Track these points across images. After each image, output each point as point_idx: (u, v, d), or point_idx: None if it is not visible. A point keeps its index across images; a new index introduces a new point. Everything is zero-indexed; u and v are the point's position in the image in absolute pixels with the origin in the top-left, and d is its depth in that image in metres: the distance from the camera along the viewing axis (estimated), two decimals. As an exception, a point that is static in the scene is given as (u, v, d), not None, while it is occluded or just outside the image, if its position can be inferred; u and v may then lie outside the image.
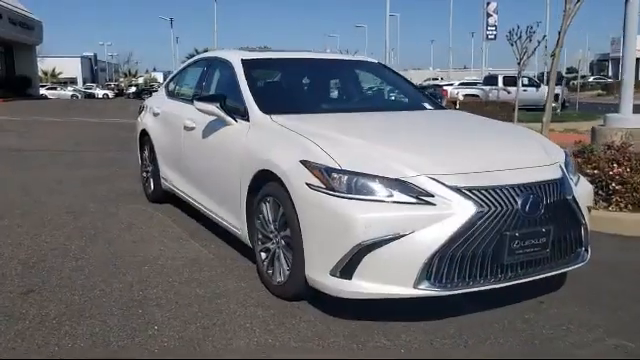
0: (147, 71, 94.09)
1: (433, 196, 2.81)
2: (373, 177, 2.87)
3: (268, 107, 3.83)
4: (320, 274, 2.96)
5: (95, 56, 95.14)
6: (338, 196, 2.87)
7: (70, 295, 3.44)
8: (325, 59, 4.84)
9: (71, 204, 5.81)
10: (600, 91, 48.74)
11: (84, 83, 77.19)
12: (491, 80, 28.66)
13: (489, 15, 39.76)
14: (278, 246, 3.38)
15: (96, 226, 4.98)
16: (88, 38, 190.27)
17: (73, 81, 76.48)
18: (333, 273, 2.89)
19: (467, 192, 2.81)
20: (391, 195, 2.83)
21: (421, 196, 2.82)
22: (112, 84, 73.05)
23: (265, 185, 3.44)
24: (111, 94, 58.43)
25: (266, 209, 3.45)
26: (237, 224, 3.85)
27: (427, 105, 4.45)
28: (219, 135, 4.06)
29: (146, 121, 5.84)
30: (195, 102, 4.05)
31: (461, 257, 2.80)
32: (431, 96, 4.63)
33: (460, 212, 2.77)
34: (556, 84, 30.39)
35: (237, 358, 2.81)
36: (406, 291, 2.80)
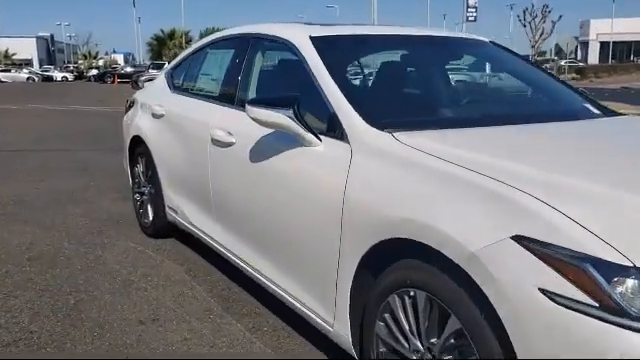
0: (107, 53, 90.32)
1: None
2: None
3: (380, 118, 2.27)
4: None
5: (52, 37, 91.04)
6: (637, 329, 1.34)
7: None
8: (429, 36, 3.22)
9: (35, 242, 4.12)
10: (574, 74, 48.31)
11: (40, 65, 73.59)
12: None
13: (469, -4, 38.45)
14: (434, 381, 1.83)
15: (76, 287, 3.33)
16: (44, 18, 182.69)
17: (28, 63, 73.00)
18: None
19: None
20: None
21: None
22: (71, 66, 69.57)
23: (401, 263, 1.91)
24: (70, 77, 55.28)
25: (404, 309, 1.91)
26: (327, 316, 2.29)
27: (592, 108, 2.92)
28: (288, 161, 2.47)
29: (141, 124, 4.17)
30: (249, 108, 2.43)
31: None
32: (582, 92, 3.12)
33: None
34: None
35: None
36: None
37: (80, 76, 58.18)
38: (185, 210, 3.60)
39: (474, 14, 38.78)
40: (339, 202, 2.12)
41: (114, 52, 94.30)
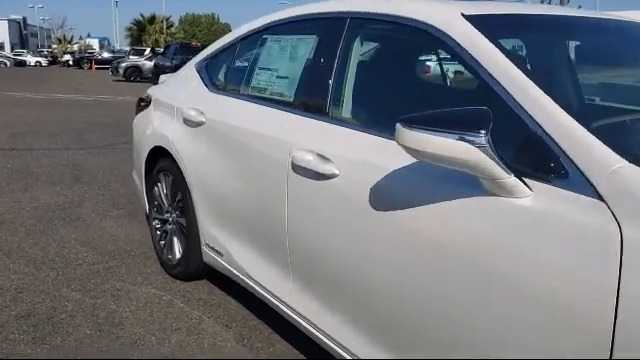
0: (81, 37, 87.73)
1: None
2: None
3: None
4: None
5: (24, 20, 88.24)
6: None
7: None
8: (619, 21, 2.26)
9: (24, 288, 3.09)
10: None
11: (12, 49, 70.94)
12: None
13: (460, -14, 37.60)
14: None
15: (89, 370, 2.34)
16: (15, 0, 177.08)
17: (0, 47, 70.25)
18: None
19: None
20: None
21: None
22: (45, 51, 67.10)
23: None
24: (44, 62, 53.05)
25: None
26: None
27: None
28: (460, 217, 1.52)
29: (165, 131, 3.15)
30: (406, 132, 1.45)
31: None
32: None
33: None
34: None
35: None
36: None
37: (54, 61, 56.06)
38: (236, 255, 2.62)
39: (464, 4, 37.98)
40: (605, 319, 1.19)
41: (89, 37, 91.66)
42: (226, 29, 76.35)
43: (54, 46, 73.49)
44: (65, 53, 60.89)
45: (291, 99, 2.39)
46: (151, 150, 3.31)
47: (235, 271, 2.65)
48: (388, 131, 1.77)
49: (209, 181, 2.77)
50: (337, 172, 1.93)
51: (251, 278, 2.51)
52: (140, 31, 51.96)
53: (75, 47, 73.77)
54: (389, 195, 1.73)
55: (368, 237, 1.80)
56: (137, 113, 3.78)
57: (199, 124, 2.84)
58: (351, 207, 1.86)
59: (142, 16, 54.25)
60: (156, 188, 3.35)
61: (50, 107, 12.66)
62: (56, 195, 4.96)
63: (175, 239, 3.21)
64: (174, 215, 3.22)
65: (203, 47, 17.68)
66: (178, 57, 22.63)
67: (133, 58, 28.89)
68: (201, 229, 2.90)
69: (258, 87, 2.65)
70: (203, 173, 2.81)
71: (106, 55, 42.49)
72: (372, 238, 1.79)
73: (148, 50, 30.84)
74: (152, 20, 51.46)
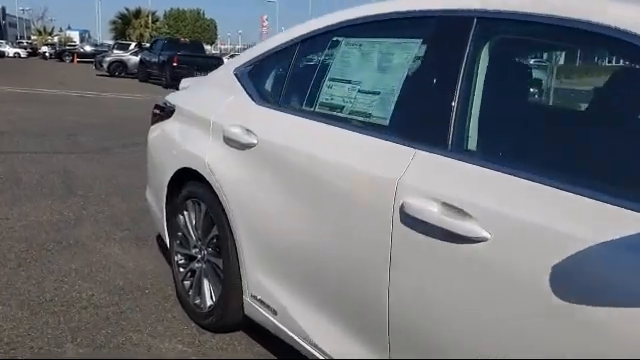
0: (61, 29, 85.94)
1: None
2: None
3: None
4: None
5: (3, 9, 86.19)
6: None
7: None
8: None
9: (16, 342, 2.47)
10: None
11: (-10, 39, 69.01)
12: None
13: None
14: None
15: None
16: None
17: (-23, 36, 68.41)
18: None
19: None
20: None
21: None
22: (25, 42, 65.41)
23: None
24: (23, 53, 51.47)
25: None
26: None
27: None
28: None
29: (200, 152, 2.56)
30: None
31: None
32: None
33: None
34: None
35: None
36: None
37: (34, 52, 54.55)
38: (297, 316, 2.05)
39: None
40: None
41: (69, 29, 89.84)
42: (211, 25, 75.36)
43: (34, 37, 71.80)
44: (45, 45, 59.30)
45: (386, 122, 1.82)
46: (177, 171, 2.72)
47: (296, 337, 2.08)
48: (590, 186, 1.24)
49: (261, 218, 2.19)
50: (486, 235, 1.37)
51: (321, 351, 1.94)
52: (125, 25, 50.80)
53: (55, 39, 72.09)
54: (596, 282, 1.18)
55: (544, 336, 1.25)
56: (153, 123, 3.19)
57: (248, 146, 2.26)
58: (515, 289, 1.31)
59: (127, 10, 53.04)
60: (181, 217, 2.76)
61: (34, 103, 11.88)
62: (49, 211, 4.32)
63: (205, 281, 2.63)
64: (205, 252, 2.63)
65: (191, 43, 17.08)
66: (166, 53, 21.86)
67: (117, 52, 27.98)
68: (245, 276, 2.32)
69: (330, 104, 2.07)
70: (253, 207, 2.23)
71: (88, 48, 41.34)
72: (553, 339, 1.23)
73: (133, 45, 29.92)
74: (137, 14, 50.34)
